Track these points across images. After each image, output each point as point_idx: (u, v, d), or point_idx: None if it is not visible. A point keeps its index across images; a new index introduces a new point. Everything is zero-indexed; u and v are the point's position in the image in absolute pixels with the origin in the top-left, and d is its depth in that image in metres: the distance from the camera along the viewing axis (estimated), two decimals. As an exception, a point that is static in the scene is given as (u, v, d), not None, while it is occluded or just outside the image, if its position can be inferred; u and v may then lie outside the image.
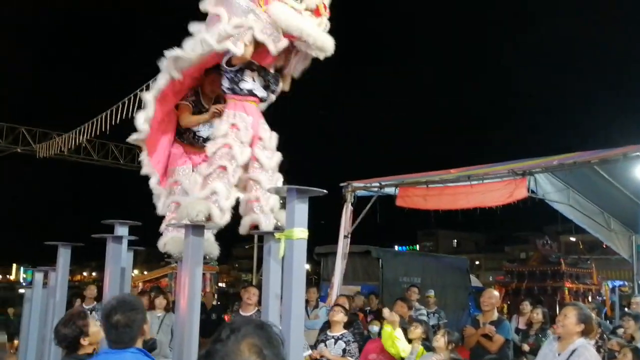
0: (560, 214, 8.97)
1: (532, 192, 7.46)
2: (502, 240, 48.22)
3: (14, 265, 54.79)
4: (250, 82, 3.56)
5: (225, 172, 3.47)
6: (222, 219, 3.47)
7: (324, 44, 3.43)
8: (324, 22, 3.49)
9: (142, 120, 3.66)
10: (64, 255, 5.33)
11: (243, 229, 3.74)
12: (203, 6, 3.50)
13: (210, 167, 3.50)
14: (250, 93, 3.56)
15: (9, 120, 18.59)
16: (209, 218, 3.41)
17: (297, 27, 3.34)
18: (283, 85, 3.79)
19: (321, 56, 3.50)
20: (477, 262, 44.67)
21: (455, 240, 53.01)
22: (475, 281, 15.09)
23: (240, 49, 3.34)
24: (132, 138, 3.82)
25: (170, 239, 3.86)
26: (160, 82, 3.60)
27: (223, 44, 3.33)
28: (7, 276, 56.64)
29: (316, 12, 3.44)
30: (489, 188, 7.19)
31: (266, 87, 3.64)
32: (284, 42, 3.40)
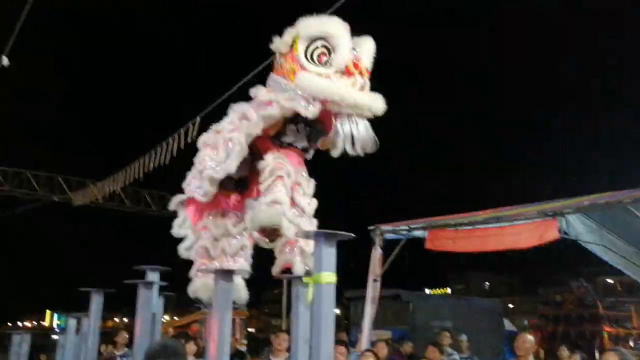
0: (595, 255, 8.71)
1: (565, 233, 7.32)
2: (536, 282, 46.64)
3: (48, 312, 55.50)
4: (291, 136, 3.65)
5: (283, 182, 3.48)
6: (290, 229, 3.40)
7: (356, 100, 3.39)
8: (359, 80, 3.44)
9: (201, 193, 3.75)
10: (96, 301, 5.43)
11: (276, 269, 3.76)
12: (253, 93, 3.67)
13: (267, 181, 3.49)
14: (291, 145, 3.66)
15: (44, 167, 19.40)
16: (276, 229, 3.41)
17: (322, 90, 3.39)
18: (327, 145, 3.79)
19: (365, 114, 3.43)
20: (510, 305, 43.16)
21: (487, 283, 51.54)
22: (509, 325, 14.60)
23: (277, 110, 3.46)
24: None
25: (201, 285, 3.91)
26: (216, 175, 3.66)
27: (265, 117, 3.49)
28: (41, 322, 57.33)
29: (347, 72, 3.43)
30: (519, 230, 7.09)
31: (309, 140, 3.72)
32: (316, 107, 3.43)
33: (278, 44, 3.61)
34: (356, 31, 3.65)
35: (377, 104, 3.46)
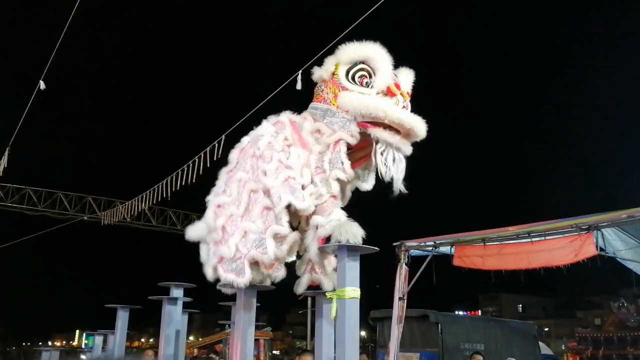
0: (636, 274, 8.30)
1: (602, 249, 6.98)
2: (573, 304, 45.17)
3: (77, 332, 56.26)
4: None
5: (337, 201, 3.57)
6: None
7: (400, 117, 3.43)
8: (401, 100, 3.52)
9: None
10: (122, 317, 5.45)
11: (301, 287, 3.72)
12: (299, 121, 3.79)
13: (324, 196, 3.52)
14: None
15: (77, 189, 19.91)
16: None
17: (365, 106, 3.44)
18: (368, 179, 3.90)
19: (407, 131, 3.48)
20: (546, 329, 41.80)
21: (521, 305, 50.12)
22: (545, 349, 14.04)
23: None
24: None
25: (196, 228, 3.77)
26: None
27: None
28: (70, 342, 58.08)
29: (388, 92, 3.51)
30: (553, 245, 6.79)
31: None
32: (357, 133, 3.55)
33: (320, 72, 3.72)
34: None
35: (420, 124, 3.50)
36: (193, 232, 3.74)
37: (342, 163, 3.53)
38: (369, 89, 3.51)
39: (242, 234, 3.49)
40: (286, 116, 3.79)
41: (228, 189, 3.68)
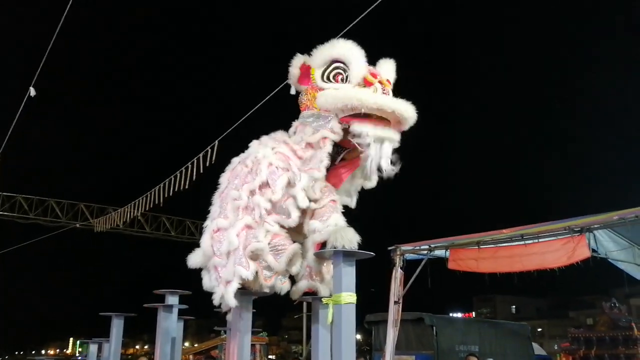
0: (627, 274, 8.38)
1: (594, 250, 7.05)
2: (565, 304, 45.48)
3: (71, 340, 55.83)
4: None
5: (336, 206, 3.53)
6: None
7: (377, 102, 3.37)
8: (379, 87, 3.47)
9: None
10: (117, 325, 5.42)
11: (296, 294, 3.68)
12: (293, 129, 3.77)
13: (323, 200, 3.50)
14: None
15: (68, 197, 19.80)
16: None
17: (340, 99, 3.42)
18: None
19: (394, 117, 3.41)
20: (539, 329, 42.01)
21: (514, 306, 50.35)
22: (538, 349, 14.15)
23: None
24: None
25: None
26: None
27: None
28: (64, 350, 57.62)
29: (365, 83, 3.47)
30: (546, 248, 6.84)
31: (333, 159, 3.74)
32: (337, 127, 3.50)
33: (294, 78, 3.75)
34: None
35: (405, 107, 3.42)
36: (193, 260, 3.69)
37: (321, 161, 3.49)
38: (346, 84, 3.50)
39: (234, 253, 3.46)
40: (266, 137, 3.80)
41: (224, 211, 3.63)
